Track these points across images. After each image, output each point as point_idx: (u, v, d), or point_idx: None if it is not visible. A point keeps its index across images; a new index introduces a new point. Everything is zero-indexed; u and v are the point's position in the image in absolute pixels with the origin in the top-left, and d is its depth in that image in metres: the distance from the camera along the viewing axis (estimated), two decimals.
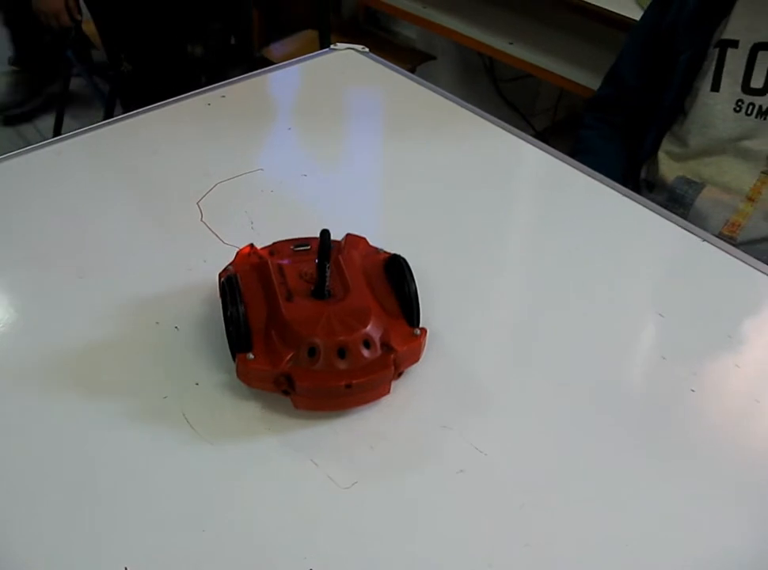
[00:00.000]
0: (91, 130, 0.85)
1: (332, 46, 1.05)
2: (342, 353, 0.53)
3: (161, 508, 0.50)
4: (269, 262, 0.58)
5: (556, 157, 0.87)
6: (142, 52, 1.47)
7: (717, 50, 1.07)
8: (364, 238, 0.63)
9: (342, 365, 0.53)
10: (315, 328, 0.53)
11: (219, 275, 0.60)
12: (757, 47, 1.05)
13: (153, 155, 0.81)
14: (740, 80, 1.07)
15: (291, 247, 0.61)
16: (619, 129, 1.23)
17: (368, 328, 0.54)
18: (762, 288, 0.74)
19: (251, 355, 0.53)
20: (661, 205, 0.84)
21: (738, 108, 1.08)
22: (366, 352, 0.53)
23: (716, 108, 1.09)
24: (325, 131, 0.89)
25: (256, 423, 0.55)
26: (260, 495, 0.51)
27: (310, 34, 1.93)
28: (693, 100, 1.11)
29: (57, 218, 0.72)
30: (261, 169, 0.80)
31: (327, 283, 0.55)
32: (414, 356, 0.57)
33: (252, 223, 0.73)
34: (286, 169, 0.82)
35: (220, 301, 0.59)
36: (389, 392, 0.56)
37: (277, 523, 0.49)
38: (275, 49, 1.94)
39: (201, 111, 0.89)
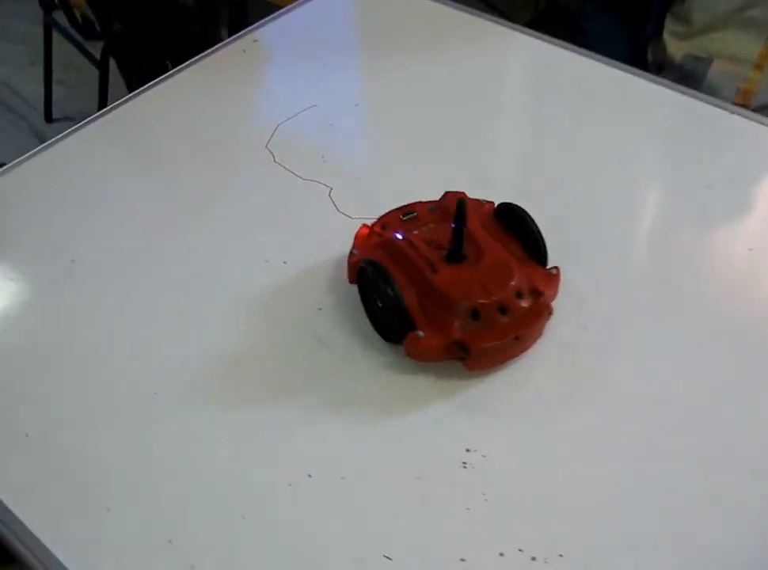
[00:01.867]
0: (136, 95, 0.86)
1: None
2: (502, 309, 0.54)
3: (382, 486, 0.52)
4: (397, 239, 0.58)
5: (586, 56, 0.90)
6: (132, 9, 1.45)
7: None
8: (464, 193, 0.62)
9: (505, 320, 0.54)
10: (472, 291, 0.54)
11: (349, 260, 0.61)
12: None
13: (209, 109, 0.83)
14: None
15: (400, 217, 0.62)
16: (620, 15, 1.26)
17: (516, 279, 0.55)
18: None
19: (420, 333, 0.54)
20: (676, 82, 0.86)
21: None
22: (522, 302, 0.55)
23: None
24: (362, 64, 0.91)
25: (431, 392, 0.57)
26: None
27: None
28: None
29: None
30: (315, 106, 0.84)
31: (463, 245, 0.56)
32: (555, 293, 0.59)
33: (323, 157, 0.77)
34: (337, 102, 0.84)
35: (357, 287, 0.60)
36: (542, 334, 0.58)
37: None
38: None
39: (239, 58, 0.91)
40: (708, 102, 0.83)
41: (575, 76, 0.88)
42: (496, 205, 0.63)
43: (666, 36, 1.20)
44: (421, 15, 0.98)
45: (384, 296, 0.56)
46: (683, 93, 0.85)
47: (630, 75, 0.87)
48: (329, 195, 0.73)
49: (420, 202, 0.64)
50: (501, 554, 0.48)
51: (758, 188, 0.75)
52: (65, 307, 0.64)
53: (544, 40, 0.93)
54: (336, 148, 0.79)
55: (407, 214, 0.62)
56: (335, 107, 0.83)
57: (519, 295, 0.55)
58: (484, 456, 0.53)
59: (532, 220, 0.59)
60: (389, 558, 0.48)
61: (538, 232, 0.59)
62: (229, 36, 0.94)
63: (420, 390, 0.57)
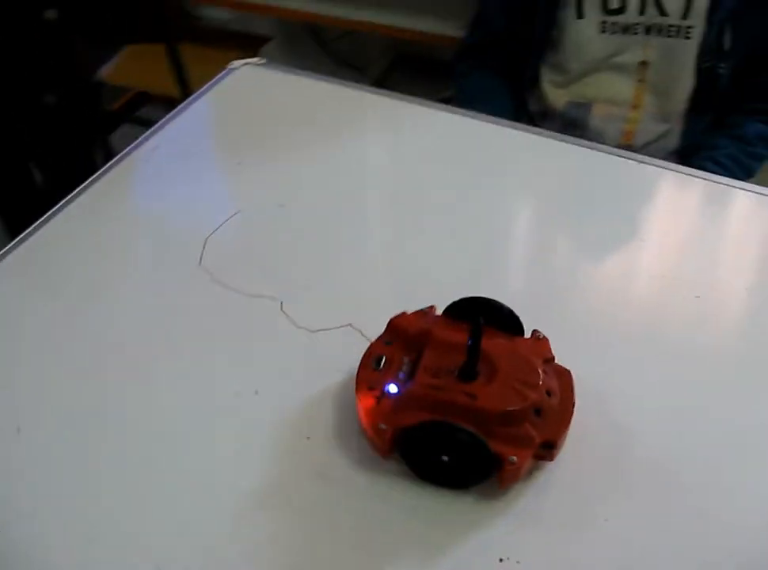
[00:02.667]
0: (46, 222, 0.78)
1: (229, 66, 1.03)
2: (548, 393, 0.54)
3: None
4: (416, 388, 0.53)
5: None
6: None
7: None
8: (405, 312, 0.60)
9: (555, 400, 0.54)
10: (521, 392, 0.52)
11: (377, 435, 0.53)
12: None
13: (125, 229, 0.77)
14: (599, 4, 1.15)
15: (373, 370, 0.57)
16: (497, 70, 1.29)
17: (534, 361, 0.54)
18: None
19: (513, 458, 0.50)
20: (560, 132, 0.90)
21: (603, 30, 1.16)
22: (549, 378, 0.55)
23: (584, 33, 1.17)
24: (274, 157, 0.86)
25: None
26: None
27: (137, 48, 1.87)
28: (561, 29, 1.19)
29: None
30: (239, 211, 0.80)
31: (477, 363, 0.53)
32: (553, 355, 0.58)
33: (262, 267, 0.73)
34: (261, 204, 0.80)
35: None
36: None
37: None
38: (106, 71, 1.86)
39: (143, 170, 0.86)
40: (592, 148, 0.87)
41: (486, 143, 0.90)
42: (436, 308, 0.60)
43: (545, 85, 1.24)
44: (299, 92, 0.97)
45: (457, 448, 0.50)
46: (566, 141, 0.88)
47: (513, 130, 0.91)
48: (282, 310, 0.69)
49: (371, 344, 0.59)
50: None
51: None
52: None
53: (449, 112, 0.94)
54: (273, 255, 0.74)
55: (378, 363, 0.57)
56: (260, 210, 0.79)
57: (544, 370, 0.54)
58: (518, 562, 0.50)
59: (486, 299, 0.57)
60: None
61: (495, 303, 0.57)
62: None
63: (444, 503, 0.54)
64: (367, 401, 0.55)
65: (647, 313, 0.69)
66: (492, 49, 1.28)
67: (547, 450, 0.52)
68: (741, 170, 1.17)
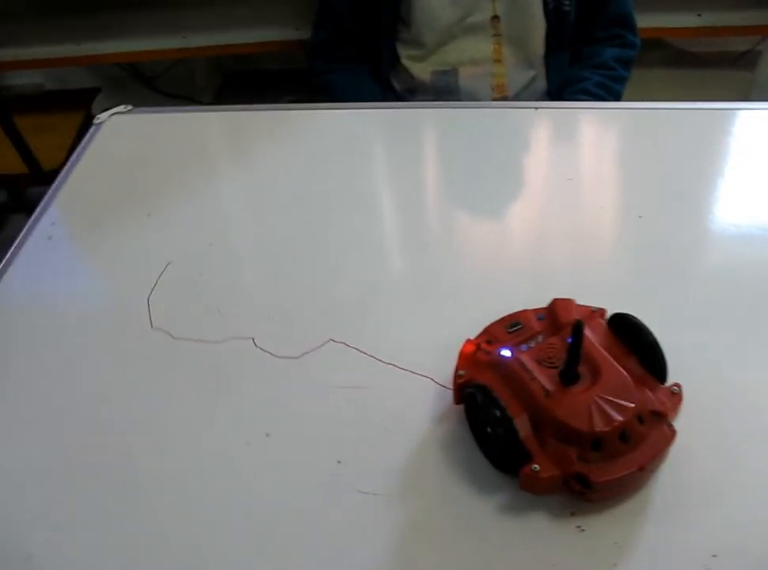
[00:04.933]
0: None
1: (95, 121, 0.97)
2: (624, 436, 0.49)
3: None
4: (508, 359, 0.52)
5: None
6: None
7: None
8: (572, 300, 0.57)
9: (628, 448, 0.49)
10: (591, 418, 0.48)
11: (455, 381, 0.54)
12: None
13: (55, 317, 0.70)
14: None
15: (505, 330, 0.56)
16: (354, 59, 1.28)
17: (637, 403, 0.50)
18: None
19: (536, 466, 0.49)
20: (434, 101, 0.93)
21: None
22: (644, 428, 0.50)
23: (432, 3, 1.18)
24: (182, 198, 0.81)
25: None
26: None
27: None
28: (409, 5, 1.19)
29: None
30: (170, 262, 0.75)
31: (577, 367, 0.51)
32: (677, 413, 0.53)
33: (218, 310, 0.69)
34: (190, 247, 0.75)
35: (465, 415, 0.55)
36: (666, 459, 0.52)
37: None
38: None
39: (44, 253, 0.79)
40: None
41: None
42: (608, 315, 0.57)
43: (406, 62, 1.23)
44: (178, 129, 0.94)
45: (496, 426, 0.50)
46: (440, 107, 0.92)
47: (390, 109, 0.92)
48: (256, 346, 0.65)
49: (527, 310, 0.58)
50: None
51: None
52: None
53: (330, 108, 0.93)
54: (222, 295, 0.69)
55: (513, 327, 0.56)
56: (190, 254, 0.75)
57: (641, 420, 0.50)
58: None
59: (651, 334, 0.53)
60: None
61: (659, 348, 0.53)
62: None
63: (536, 520, 0.51)
64: (469, 347, 0.55)
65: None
66: (344, 40, 1.27)
67: (584, 487, 0.49)
68: (610, 94, 1.22)
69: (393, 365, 0.61)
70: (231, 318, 0.67)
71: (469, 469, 0.54)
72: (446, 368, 0.58)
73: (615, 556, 0.49)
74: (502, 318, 0.58)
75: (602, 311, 0.57)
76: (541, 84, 1.25)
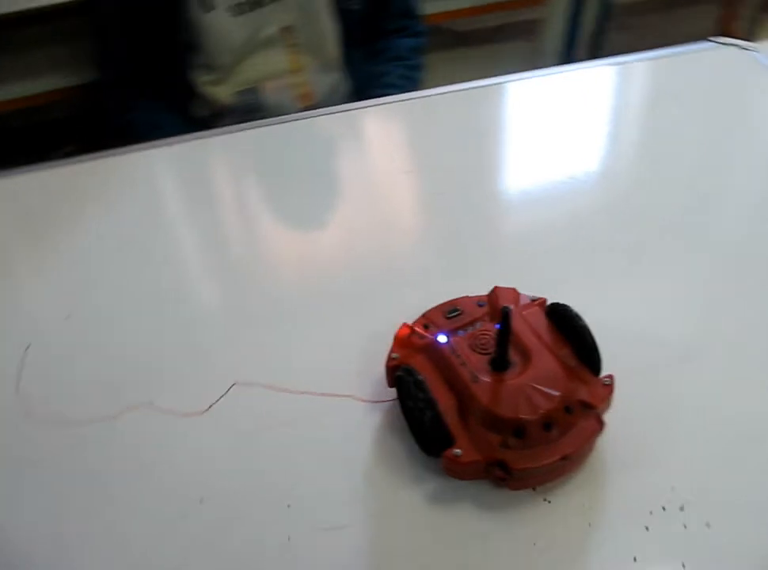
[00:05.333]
0: None
1: None
2: (548, 425, 0.49)
3: None
4: (439, 343, 0.53)
5: None
6: None
7: None
8: (514, 289, 0.58)
9: (551, 437, 0.49)
10: (516, 406, 0.49)
11: (387, 364, 0.54)
12: None
13: None
14: None
15: (443, 315, 0.56)
16: (149, 95, 1.22)
17: (565, 392, 0.50)
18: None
19: (457, 451, 0.48)
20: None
21: (236, 14, 1.15)
22: (571, 418, 0.49)
23: (219, 24, 1.15)
24: (26, 271, 0.73)
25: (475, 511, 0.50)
26: None
27: None
28: (197, 30, 1.15)
29: None
30: (30, 343, 0.63)
31: (508, 354, 0.51)
32: (608, 406, 0.53)
33: (102, 383, 0.60)
34: (46, 325, 0.65)
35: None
36: (593, 449, 0.52)
37: None
38: None
39: None
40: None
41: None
42: (547, 303, 0.57)
43: (204, 89, 1.19)
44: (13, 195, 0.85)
45: (420, 407, 0.50)
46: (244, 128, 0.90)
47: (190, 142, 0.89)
48: (157, 409, 0.59)
49: (468, 297, 0.57)
50: None
51: None
52: None
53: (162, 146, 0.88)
54: (100, 364, 0.63)
55: (452, 312, 0.56)
56: (48, 332, 0.67)
57: (568, 410, 0.50)
58: None
59: (585, 325, 0.53)
60: None
61: (592, 339, 0.52)
62: None
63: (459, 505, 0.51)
64: (404, 331, 0.55)
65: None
66: (134, 79, 1.21)
67: (506, 473, 0.49)
68: (411, 83, 1.25)
69: (308, 393, 0.59)
70: (119, 387, 0.61)
71: (419, 475, 0.52)
72: (365, 380, 0.57)
73: (587, 517, 0.50)
74: (442, 304, 0.57)
75: (542, 300, 0.57)
76: (345, 85, 1.25)
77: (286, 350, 0.63)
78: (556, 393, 0.49)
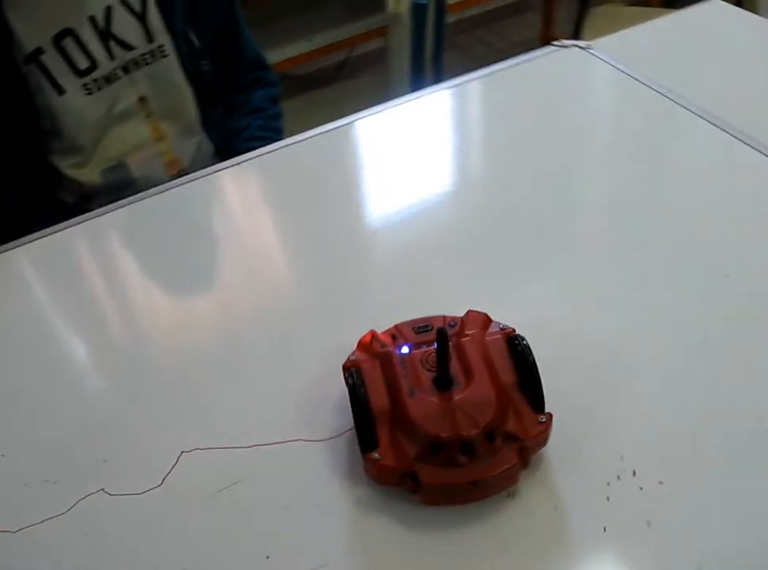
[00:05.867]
0: None
1: None
2: (466, 448, 0.51)
3: None
4: (391, 353, 0.56)
5: None
6: None
7: (33, 64, 1.10)
8: (485, 315, 0.59)
9: (466, 460, 0.51)
10: (438, 424, 0.51)
11: (344, 365, 0.57)
12: (57, 38, 1.11)
13: None
14: (70, 71, 1.12)
15: (413, 329, 0.59)
16: (12, 184, 1.19)
17: (491, 420, 0.51)
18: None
19: (376, 455, 0.52)
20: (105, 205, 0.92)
21: (89, 92, 1.15)
22: (490, 446, 0.51)
23: (73, 105, 1.13)
24: None
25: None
26: None
27: None
28: (51, 115, 1.14)
29: None
30: None
31: (449, 374, 0.53)
32: (540, 443, 0.55)
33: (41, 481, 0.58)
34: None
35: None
36: (516, 482, 0.54)
37: None
38: None
39: None
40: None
41: None
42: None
43: (69, 172, 1.17)
44: None
45: (355, 404, 0.54)
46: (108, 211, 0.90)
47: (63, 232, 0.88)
48: (110, 494, 0.59)
49: (445, 316, 0.60)
50: None
51: None
52: None
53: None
54: (39, 462, 0.62)
55: (422, 329, 0.59)
56: None
57: (491, 437, 0.51)
58: None
59: (533, 361, 0.55)
60: None
61: (537, 376, 0.54)
62: None
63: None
64: (367, 338, 0.59)
65: None
66: None
67: (417, 485, 0.52)
68: (275, 133, 1.28)
69: (257, 445, 0.60)
70: (62, 482, 0.60)
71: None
72: (313, 420, 0.60)
73: (551, 501, 0.54)
74: (415, 319, 0.60)
75: (510, 330, 0.59)
76: (209, 146, 1.27)
77: (225, 405, 0.65)
78: (482, 420, 0.51)
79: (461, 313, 0.61)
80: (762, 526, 0.52)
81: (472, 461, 0.51)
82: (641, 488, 0.55)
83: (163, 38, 1.16)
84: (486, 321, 0.59)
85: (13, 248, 0.87)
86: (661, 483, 0.55)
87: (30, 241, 0.88)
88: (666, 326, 0.68)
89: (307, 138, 0.97)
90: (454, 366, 0.54)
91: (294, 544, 0.54)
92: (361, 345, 0.59)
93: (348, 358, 0.58)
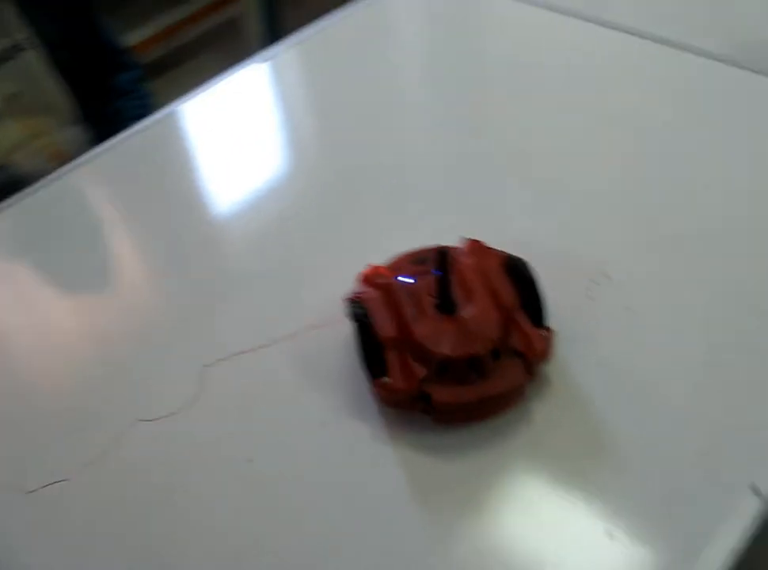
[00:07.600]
0: None
1: None
2: (472, 366, 0.52)
3: None
4: (393, 283, 0.56)
5: None
6: None
7: None
8: (480, 242, 0.59)
9: (474, 378, 0.52)
10: (445, 343, 0.51)
11: (347, 299, 0.57)
12: None
13: None
14: None
15: (410, 262, 0.58)
16: None
17: (495, 337, 0.52)
18: None
19: (387, 379, 0.52)
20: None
21: None
22: (498, 363, 0.52)
23: None
24: None
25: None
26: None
27: None
28: None
29: None
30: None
31: (452, 297, 0.53)
32: (544, 357, 0.55)
33: None
34: None
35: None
36: (524, 395, 0.55)
37: None
38: None
39: None
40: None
41: None
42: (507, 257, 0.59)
43: None
44: None
45: (361, 333, 0.55)
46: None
47: None
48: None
49: (440, 246, 0.57)
50: None
51: None
52: None
53: None
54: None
55: (419, 262, 0.58)
56: None
57: (496, 354, 0.52)
58: None
59: (533, 279, 0.56)
60: None
61: (537, 292, 0.56)
62: None
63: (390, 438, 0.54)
64: (370, 270, 0.58)
65: None
66: None
67: (429, 406, 0.53)
68: (147, 112, 1.31)
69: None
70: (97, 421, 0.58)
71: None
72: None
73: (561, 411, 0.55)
74: (411, 251, 0.60)
75: (504, 254, 0.59)
76: (90, 133, 1.28)
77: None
78: (487, 337, 0.52)
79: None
80: None
81: (480, 378, 0.52)
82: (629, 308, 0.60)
83: (19, 32, 1.15)
84: (481, 246, 0.60)
85: None
86: (629, 308, 0.60)
87: None
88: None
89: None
90: (456, 291, 0.54)
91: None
92: (363, 278, 0.58)
93: (352, 290, 0.58)
